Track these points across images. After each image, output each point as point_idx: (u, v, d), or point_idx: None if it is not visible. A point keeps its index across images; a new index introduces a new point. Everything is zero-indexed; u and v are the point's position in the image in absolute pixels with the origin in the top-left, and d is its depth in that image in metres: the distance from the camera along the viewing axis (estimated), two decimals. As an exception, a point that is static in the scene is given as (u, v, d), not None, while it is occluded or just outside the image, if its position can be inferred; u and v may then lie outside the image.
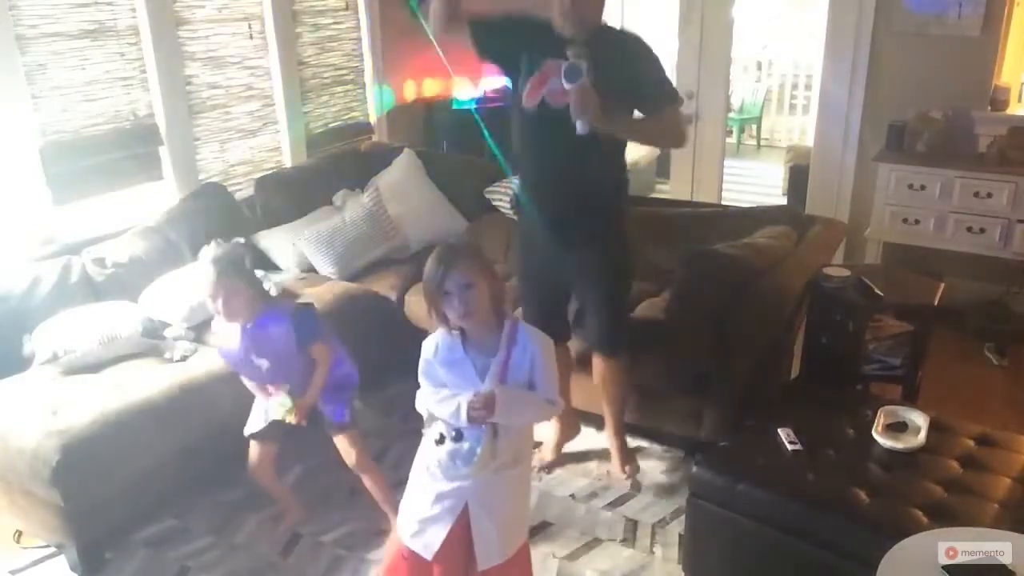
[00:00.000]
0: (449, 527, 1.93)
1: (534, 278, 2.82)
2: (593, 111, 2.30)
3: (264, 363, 2.47)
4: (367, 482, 2.67)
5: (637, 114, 2.54)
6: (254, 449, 2.64)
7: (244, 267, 2.43)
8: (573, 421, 3.10)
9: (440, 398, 1.92)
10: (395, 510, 2.53)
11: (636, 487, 2.93)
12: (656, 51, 2.52)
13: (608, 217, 2.65)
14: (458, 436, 1.90)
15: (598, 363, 2.82)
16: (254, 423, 2.60)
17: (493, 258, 3.87)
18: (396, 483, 2.95)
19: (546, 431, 3.05)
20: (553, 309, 2.80)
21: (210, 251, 2.39)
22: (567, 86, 2.29)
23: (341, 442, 2.62)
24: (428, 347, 1.98)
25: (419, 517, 1.97)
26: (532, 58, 2.44)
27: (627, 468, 2.96)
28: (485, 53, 2.61)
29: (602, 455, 3.09)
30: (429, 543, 1.95)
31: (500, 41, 2.57)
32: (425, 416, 1.99)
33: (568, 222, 2.59)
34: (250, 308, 2.42)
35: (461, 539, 1.94)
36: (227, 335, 2.50)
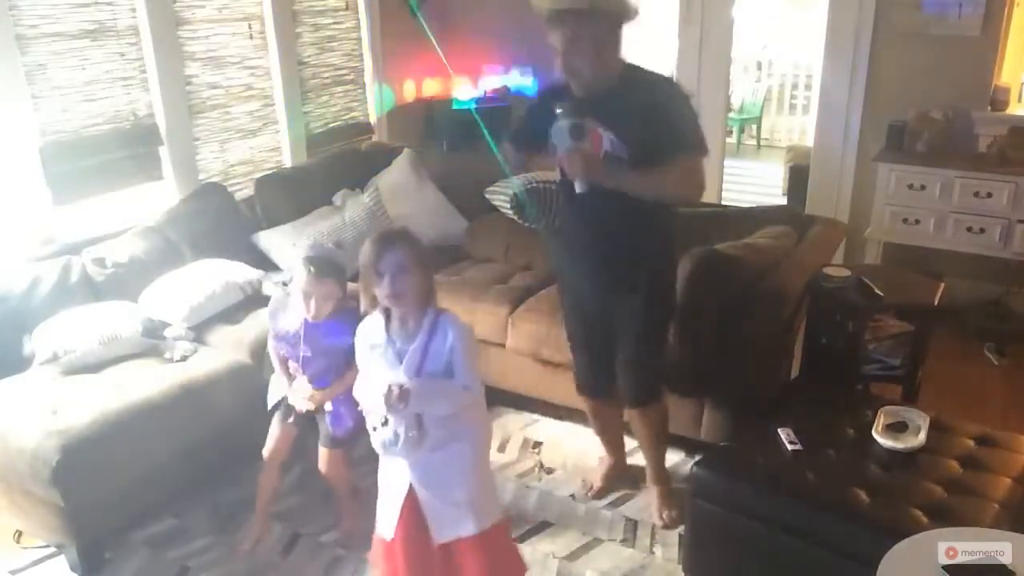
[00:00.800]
0: (399, 507, 2.04)
1: (574, 329, 2.73)
2: (582, 171, 2.25)
3: (308, 350, 2.51)
4: (340, 495, 2.76)
5: None
6: (275, 429, 2.64)
7: (344, 274, 2.50)
8: (624, 473, 3.01)
9: (361, 385, 2.02)
10: (354, 517, 2.71)
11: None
12: (688, 94, 2.37)
13: (650, 271, 2.51)
14: (385, 422, 1.97)
15: (634, 416, 2.71)
16: (274, 396, 2.64)
17: (493, 258, 3.90)
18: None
19: (593, 462, 3.05)
20: (593, 358, 2.71)
21: (312, 250, 2.48)
22: (559, 148, 2.26)
23: (330, 457, 2.63)
24: (363, 330, 2.05)
25: (380, 502, 2.10)
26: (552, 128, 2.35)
27: (665, 515, 2.76)
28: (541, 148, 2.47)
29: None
30: (387, 524, 2.08)
31: (537, 132, 2.44)
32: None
33: (608, 279, 2.50)
34: (330, 307, 2.49)
35: (416, 518, 2.05)
36: (288, 308, 2.55)
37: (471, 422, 2.06)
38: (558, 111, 2.26)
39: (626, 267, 2.47)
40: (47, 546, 2.72)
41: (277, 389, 2.65)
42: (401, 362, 1.96)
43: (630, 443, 2.97)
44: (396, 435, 1.94)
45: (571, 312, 2.72)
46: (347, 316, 2.46)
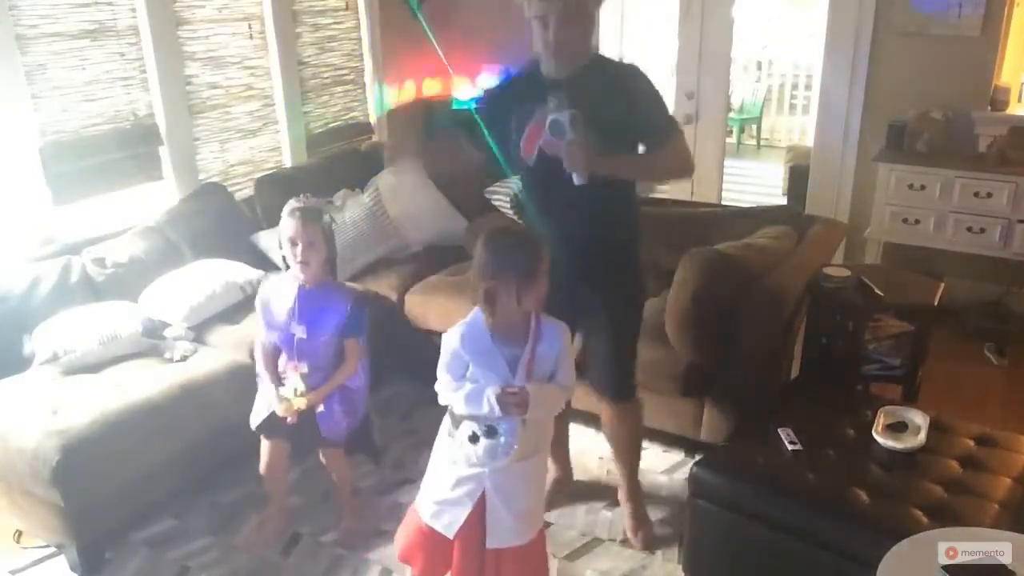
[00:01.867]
0: (469, 510, 2.03)
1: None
2: (583, 164, 2.21)
3: (302, 330, 2.46)
4: (340, 493, 2.78)
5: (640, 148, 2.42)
6: (266, 448, 2.63)
7: (327, 223, 2.48)
8: (567, 487, 2.96)
9: (465, 392, 1.96)
10: (355, 515, 2.74)
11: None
12: (652, 79, 2.37)
13: (621, 258, 2.51)
14: (491, 432, 1.94)
15: (607, 410, 2.66)
16: (259, 414, 2.57)
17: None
18: (399, 483, 2.98)
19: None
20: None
21: (297, 202, 2.44)
22: (553, 141, 2.22)
23: (331, 454, 2.66)
24: (453, 339, 1.99)
25: (440, 499, 2.07)
26: (521, 110, 2.33)
27: (640, 533, 2.68)
28: (493, 135, 2.50)
29: (605, 458, 3.09)
30: (451, 523, 2.05)
31: (495, 117, 2.46)
32: (449, 409, 2.03)
33: (579, 267, 2.43)
34: (323, 268, 2.47)
35: (478, 521, 2.04)
36: (280, 292, 2.51)
37: (548, 435, 2.08)
38: (550, 102, 2.20)
39: (600, 246, 2.44)
40: (47, 546, 2.72)
41: (262, 405, 2.57)
42: (511, 368, 1.94)
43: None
44: (508, 444, 1.93)
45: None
46: (339, 287, 2.52)
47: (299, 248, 2.40)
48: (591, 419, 3.12)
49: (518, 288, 1.90)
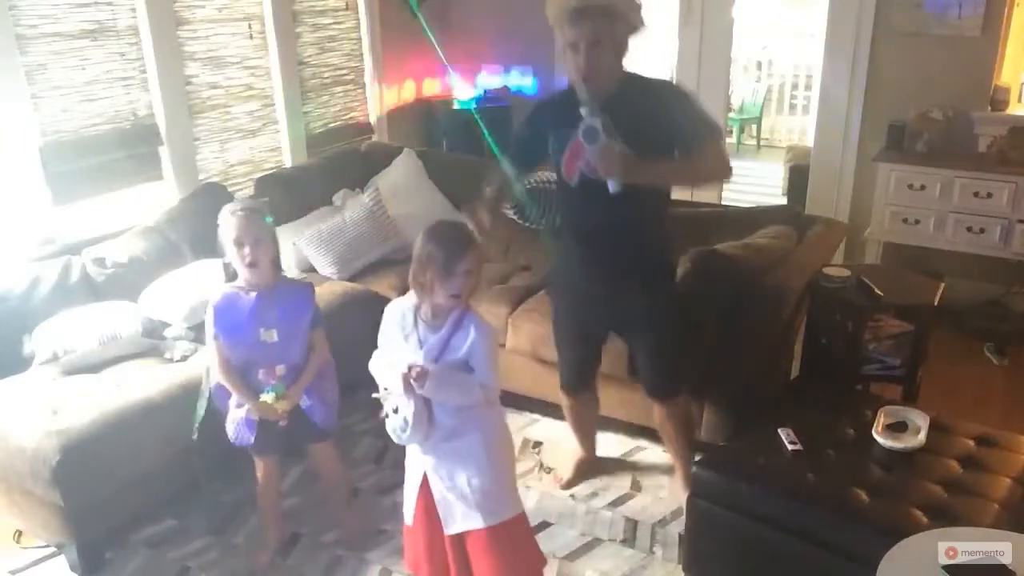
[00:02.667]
0: (415, 494, 2.14)
1: (569, 330, 2.76)
2: (620, 167, 2.23)
3: (273, 334, 2.37)
4: (336, 493, 2.76)
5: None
6: (260, 467, 2.58)
7: (268, 219, 2.42)
8: (594, 466, 3.06)
9: (384, 363, 2.07)
10: (355, 515, 2.81)
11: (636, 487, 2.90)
12: (688, 92, 2.44)
13: (656, 269, 2.59)
14: (396, 409, 2.04)
15: (657, 410, 2.75)
16: (238, 433, 2.46)
17: (493, 258, 3.90)
18: (398, 483, 2.96)
19: (565, 456, 3.08)
20: (585, 358, 2.79)
21: (234, 204, 2.40)
22: (588, 148, 2.25)
23: (322, 451, 2.63)
24: (388, 311, 2.11)
25: (406, 490, 2.19)
26: (558, 134, 2.40)
27: None
28: (537, 163, 2.61)
29: (604, 462, 3.09)
30: (408, 510, 2.18)
31: (534, 145, 2.53)
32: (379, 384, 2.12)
33: (616, 279, 2.52)
34: (272, 268, 2.39)
35: (433, 507, 2.12)
36: (236, 305, 2.38)
37: (485, 418, 2.10)
38: (583, 110, 2.24)
39: (639, 260, 2.51)
40: (47, 546, 2.72)
41: (240, 424, 2.45)
42: (422, 348, 2.02)
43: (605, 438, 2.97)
44: (405, 421, 2.00)
45: (568, 312, 2.73)
46: (293, 282, 2.52)
47: (246, 249, 2.30)
48: (609, 423, 3.15)
49: (432, 279, 1.97)
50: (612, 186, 2.26)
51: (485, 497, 2.08)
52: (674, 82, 2.48)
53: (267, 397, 2.38)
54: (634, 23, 2.35)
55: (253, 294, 2.38)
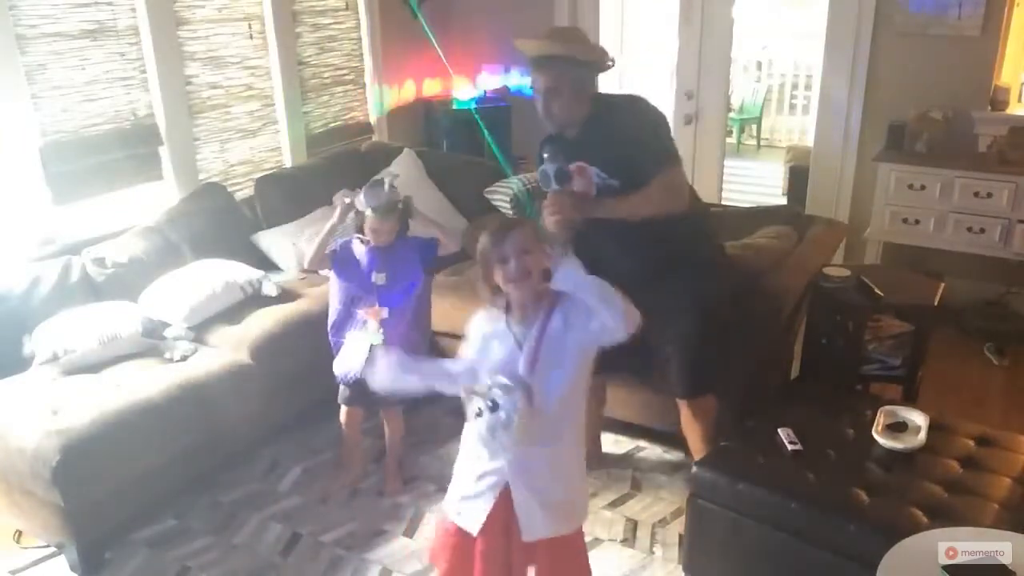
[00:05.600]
0: (492, 503, 1.98)
1: None
2: (570, 210, 2.32)
3: (382, 278, 2.70)
4: (392, 452, 3.00)
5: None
6: (344, 413, 2.90)
7: (402, 208, 2.74)
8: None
9: (461, 367, 1.99)
10: (397, 477, 2.99)
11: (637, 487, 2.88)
12: (652, 111, 2.45)
13: (691, 262, 2.56)
14: (494, 406, 1.89)
15: (682, 409, 2.69)
16: (342, 365, 2.77)
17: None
18: (404, 479, 2.99)
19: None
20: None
21: (377, 197, 2.65)
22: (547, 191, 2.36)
23: (391, 415, 2.92)
24: (479, 326, 1.99)
25: (463, 495, 2.03)
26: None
27: None
28: None
29: (605, 459, 3.09)
30: (474, 519, 2.00)
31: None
32: (463, 395, 1.97)
33: (646, 284, 2.38)
34: (391, 235, 2.73)
35: (504, 517, 1.99)
36: (355, 251, 2.75)
37: (576, 429, 2.03)
38: (544, 155, 2.35)
39: (668, 260, 2.52)
40: (47, 546, 2.72)
41: (341, 361, 2.77)
42: (521, 348, 1.91)
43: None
44: (508, 418, 1.87)
45: None
46: (407, 241, 2.78)
47: (381, 236, 2.69)
48: (609, 423, 3.15)
49: (495, 274, 1.89)
50: (553, 227, 2.33)
51: (570, 504, 2.03)
52: (641, 98, 2.49)
53: (370, 333, 2.68)
54: (598, 65, 2.42)
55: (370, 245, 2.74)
